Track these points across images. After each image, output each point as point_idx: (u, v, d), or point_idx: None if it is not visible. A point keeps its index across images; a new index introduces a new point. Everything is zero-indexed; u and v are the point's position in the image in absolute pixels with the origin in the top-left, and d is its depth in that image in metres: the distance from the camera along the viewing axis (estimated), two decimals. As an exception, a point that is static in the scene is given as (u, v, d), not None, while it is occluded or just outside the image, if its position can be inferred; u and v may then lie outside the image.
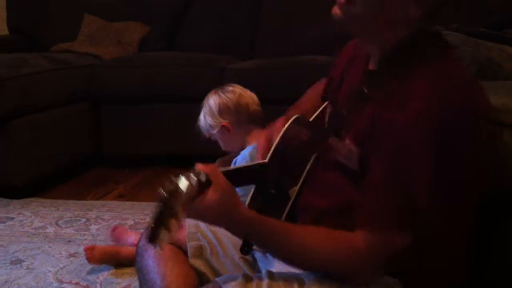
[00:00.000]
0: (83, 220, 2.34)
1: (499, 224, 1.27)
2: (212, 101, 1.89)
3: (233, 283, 1.11)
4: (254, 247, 1.38)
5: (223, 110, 1.86)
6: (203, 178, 1.00)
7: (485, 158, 1.10)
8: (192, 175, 0.98)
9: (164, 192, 0.96)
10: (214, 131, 1.90)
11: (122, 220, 2.33)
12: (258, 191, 1.29)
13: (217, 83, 2.83)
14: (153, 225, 0.95)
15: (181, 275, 1.43)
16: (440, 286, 1.16)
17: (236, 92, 1.87)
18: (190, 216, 1.04)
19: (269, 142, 1.38)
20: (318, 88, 1.55)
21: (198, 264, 1.45)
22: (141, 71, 3.08)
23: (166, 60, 3.15)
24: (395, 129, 1.02)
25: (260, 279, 1.14)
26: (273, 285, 1.12)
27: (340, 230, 1.08)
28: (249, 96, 1.89)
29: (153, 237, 0.96)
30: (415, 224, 1.02)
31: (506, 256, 1.27)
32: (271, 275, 1.16)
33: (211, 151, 2.86)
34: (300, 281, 1.13)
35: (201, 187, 1.01)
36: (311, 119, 1.42)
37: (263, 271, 1.20)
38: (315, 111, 1.45)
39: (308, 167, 1.26)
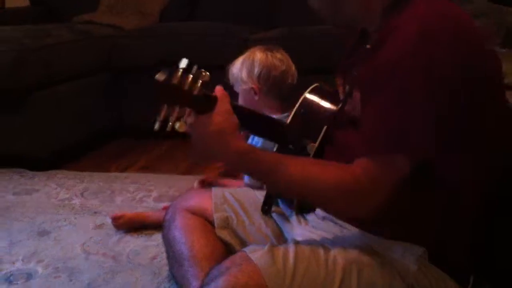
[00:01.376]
0: (108, 192, 2.35)
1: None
2: (258, 59, 1.81)
3: (260, 252, 1.11)
4: (275, 208, 1.40)
5: (263, 75, 1.79)
6: (207, 78, 1.06)
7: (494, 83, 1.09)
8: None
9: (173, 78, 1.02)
10: (241, 86, 1.83)
11: (147, 192, 2.33)
12: (278, 151, 1.31)
13: (240, 54, 2.84)
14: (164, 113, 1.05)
15: (208, 245, 1.44)
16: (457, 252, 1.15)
17: (284, 63, 1.80)
18: (190, 130, 1.10)
19: None
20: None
21: (225, 234, 1.46)
22: (163, 42, 3.06)
23: (188, 30, 3.12)
24: (387, 64, 1.02)
25: (286, 246, 1.14)
26: (299, 251, 1.12)
27: (340, 163, 1.08)
28: (292, 74, 1.83)
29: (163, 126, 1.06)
30: (412, 149, 1.01)
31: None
32: (297, 243, 1.16)
33: None
34: (326, 248, 1.14)
35: (207, 98, 1.07)
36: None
37: (289, 240, 1.20)
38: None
39: (325, 126, 1.26)
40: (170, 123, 1.06)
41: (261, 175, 1.14)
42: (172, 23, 3.31)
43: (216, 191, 1.55)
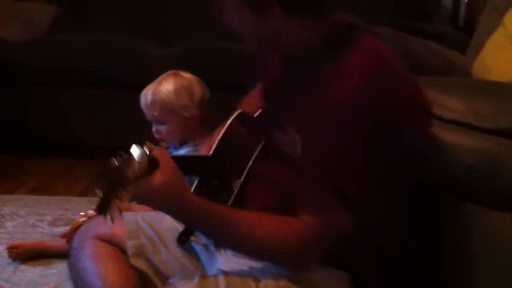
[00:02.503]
0: (-3, 216, 2.18)
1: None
2: (196, 84, 1.75)
3: (190, 284, 1.08)
4: (192, 238, 1.36)
5: (202, 102, 1.75)
6: (154, 153, 0.99)
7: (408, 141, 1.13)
8: (144, 147, 0.98)
9: (116, 161, 0.94)
10: (174, 114, 1.73)
11: (39, 216, 2.19)
12: (201, 183, 1.28)
13: (138, 69, 2.77)
14: (103, 195, 0.93)
15: (122, 275, 1.37)
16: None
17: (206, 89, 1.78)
18: (136, 197, 1.01)
19: None
20: (254, 92, 1.53)
21: (139, 263, 1.39)
22: (53, 54, 2.91)
23: (80, 42, 2.99)
24: (329, 112, 1.04)
25: (216, 277, 1.12)
26: (230, 283, 1.11)
27: (286, 217, 1.09)
28: None
29: (103, 207, 0.93)
30: (348, 207, 1.04)
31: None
32: (226, 274, 1.14)
33: (124, 142, 2.79)
34: (256, 279, 1.13)
35: (151, 164, 1.00)
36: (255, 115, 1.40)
37: (216, 269, 1.17)
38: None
39: (252, 159, 1.25)
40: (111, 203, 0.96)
41: (210, 232, 1.13)
42: (63, 35, 3.16)
43: (128, 216, 1.48)
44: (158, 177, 1.02)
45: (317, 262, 1.11)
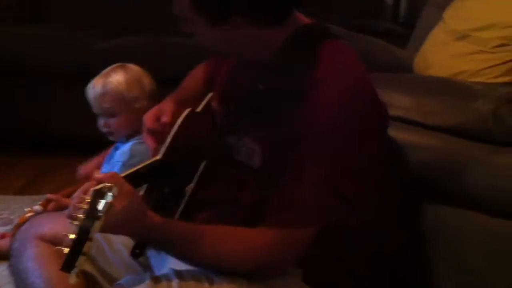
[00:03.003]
0: None
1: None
2: (146, 77, 1.73)
3: (141, 286, 1.05)
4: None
5: (151, 94, 1.72)
6: (115, 192, 0.94)
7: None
8: (106, 192, 0.92)
9: (83, 218, 0.90)
10: (125, 106, 1.71)
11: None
12: (149, 191, 1.23)
13: (85, 63, 2.69)
14: (69, 254, 0.91)
15: (67, 277, 1.33)
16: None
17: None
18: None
19: (158, 133, 1.32)
20: (199, 73, 1.50)
21: (85, 265, 1.35)
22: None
23: (31, 35, 2.91)
24: (304, 128, 1.03)
25: (169, 279, 1.10)
26: (183, 285, 1.08)
27: (250, 228, 1.08)
28: None
29: (69, 266, 0.91)
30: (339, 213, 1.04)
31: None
32: (179, 274, 1.12)
33: (64, 133, 2.72)
34: (210, 280, 1.10)
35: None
36: (199, 109, 1.38)
37: (170, 270, 1.15)
38: (201, 99, 1.40)
39: (203, 164, 1.23)
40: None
41: (171, 250, 1.10)
42: (10, 27, 3.02)
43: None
44: (116, 206, 0.97)
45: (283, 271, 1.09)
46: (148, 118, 1.35)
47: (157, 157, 1.24)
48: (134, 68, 1.76)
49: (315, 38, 1.13)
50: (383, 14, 3.39)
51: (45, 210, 1.76)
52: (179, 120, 1.27)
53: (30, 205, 1.91)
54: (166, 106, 1.37)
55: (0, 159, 2.75)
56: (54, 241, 1.36)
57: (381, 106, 1.15)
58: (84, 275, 1.34)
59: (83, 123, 2.71)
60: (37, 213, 1.71)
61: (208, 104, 1.37)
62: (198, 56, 2.33)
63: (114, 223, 0.99)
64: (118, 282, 1.12)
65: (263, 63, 1.16)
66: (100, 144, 2.60)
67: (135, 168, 1.21)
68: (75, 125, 2.77)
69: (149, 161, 1.26)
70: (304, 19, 1.16)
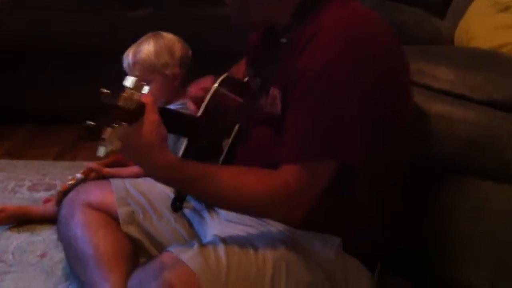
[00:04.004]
0: (-27, 180, 2.13)
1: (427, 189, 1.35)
2: (176, 43, 1.74)
3: (190, 253, 1.08)
4: (185, 204, 1.36)
5: (184, 60, 1.73)
6: (145, 91, 1.00)
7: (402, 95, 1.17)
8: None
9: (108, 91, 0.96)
10: (156, 73, 1.73)
11: (18, 181, 2.15)
12: (190, 144, 1.27)
13: (113, 33, 2.70)
14: (96, 122, 0.94)
15: (115, 243, 1.37)
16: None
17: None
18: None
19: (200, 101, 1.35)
20: (240, 66, 1.52)
21: (132, 230, 1.40)
22: (18, 19, 2.77)
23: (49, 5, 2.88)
24: (312, 68, 1.05)
25: (215, 244, 1.13)
26: (229, 251, 1.11)
27: (269, 169, 1.09)
28: None
29: (94, 132, 0.95)
30: (341, 153, 1.06)
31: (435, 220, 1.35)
32: (224, 240, 1.15)
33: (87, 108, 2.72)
34: (254, 246, 1.13)
35: (137, 107, 0.99)
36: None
37: (214, 237, 1.18)
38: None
39: (239, 120, 1.26)
40: (108, 146, 0.97)
41: (190, 187, 1.12)
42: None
43: (117, 183, 1.47)
44: (139, 127, 1.01)
45: (304, 215, 1.09)
46: (193, 87, 1.39)
47: (196, 115, 1.30)
48: (166, 35, 1.78)
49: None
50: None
51: (86, 178, 1.78)
52: (217, 82, 1.31)
53: (71, 172, 1.97)
54: (209, 78, 1.39)
55: (37, 127, 2.80)
56: (101, 208, 1.42)
57: (400, 66, 1.15)
58: (132, 241, 1.39)
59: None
60: (79, 182, 1.73)
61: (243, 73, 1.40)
62: (223, 28, 2.35)
63: (136, 148, 1.02)
64: (167, 249, 1.14)
65: (281, 24, 1.18)
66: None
67: (175, 109, 1.25)
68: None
69: (187, 113, 1.31)
70: None
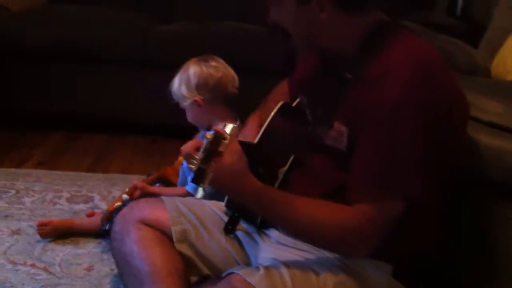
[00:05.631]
0: (12, 191, 2.17)
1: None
2: (192, 71, 1.80)
3: (257, 275, 1.12)
4: (238, 226, 1.40)
5: (201, 85, 1.79)
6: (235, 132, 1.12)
7: (459, 136, 1.21)
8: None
9: (213, 134, 1.06)
10: (185, 102, 1.82)
11: (56, 192, 2.19)
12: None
13: (141, 46, 2.76)
14: (201, 166, 1.04)
15: (170, 260, 1.40)
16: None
17: (220, 70, 1.80)
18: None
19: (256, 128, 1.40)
20: (282, 89, 1.57)
21: (184, 248, 1.43)
22: (54, 27, 2.87)
23: (80, 16, 2.95)
24: (384, 107, 1.08)
25: (278, 268, 1.17)
26: (293, 275, 1.15)
27: (342, 205, 1.14)
28: (231, 77, 1.82)
29: (200, 178, 1.05)
30: (406, 194, 1.10)
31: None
32: (286, 264, 1.18)
33: (121, 114, 2.81)
34: (315, 272, 1.17)
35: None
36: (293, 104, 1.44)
37: (274, 261, 1.22)
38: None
39: (296, 149, 1.31)
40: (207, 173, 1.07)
41: (270, 212, 1.17)
42: (64, 6, 3.10)
43: (169, 201, 1.50)
44: (226, 158, 1.08)
45: (371, 252, 1.14)
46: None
47: (252, 142, 1.35)
48: (191, 66, 1.83)
49: (394, 33, 1.18)
50: (440, 7, 3.38)
51: (132, 197, 1.82)
52: (274, 111, 1.35)
53: (106, 184, 1.99)
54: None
55: (64, 136, 2.87)
56: (155, 225, 1.45)
57: (456, 103, 1.18)
58: (184, 258, 1.42)
59: (146, 106, 2.85)
60: (126, 203, 1.75)
61: (299, 101, 1.43)
62: (254, 41, 2.37)
63: (224, 175, 1.09)
64: (231, 271, 1.18)
65: (345, 55, 1.21)
66: (163, 126, 2.72)
67: (244, 141, 1.31)
68: (137, 108, 2.86)
69: (245, 141, 1.36)
70: (381, 15, 1.22)
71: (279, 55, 2.35)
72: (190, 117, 1.85)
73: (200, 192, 1.07)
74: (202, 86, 1.79)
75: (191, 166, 1.07)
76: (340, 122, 1.19)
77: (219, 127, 1.13)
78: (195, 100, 1.79)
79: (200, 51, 1.87)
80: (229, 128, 1.10)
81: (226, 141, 1.07)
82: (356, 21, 1.19)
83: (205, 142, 1.07)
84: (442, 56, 1.18)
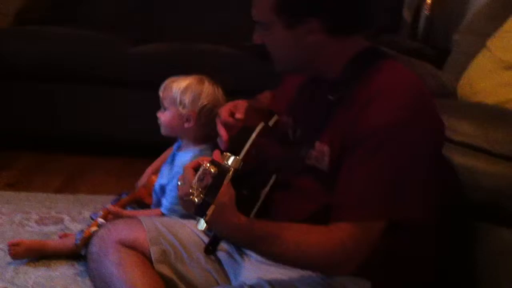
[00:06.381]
0: (-21, 213, 2.12)
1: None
2: (206, 92, 1.77)
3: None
4: (218, 247, 1.41)
5: (206, 109, 1.77)
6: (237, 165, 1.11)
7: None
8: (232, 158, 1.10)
9: (217, 166, 1.07)
10: (176, 108, 1.78)
11: (25, 213, 2.15)
12: None
13: (120, 66, 2.74)
14: (206, 199, 1.05)
15: (151, 283, 1.39)
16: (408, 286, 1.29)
17: (224, 100, 1.78)
18: None
19: (230, 127, 1.40)
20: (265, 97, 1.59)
21: (164, 269, 1.42)
22: (29, 45, 2.83)
23: (61, 35, 2.92)
24: (375, 129, 1.11)
25: (262, 287, 1.18)
26: None
27: (324, 226, 1.15)
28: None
29: (204, 210, 1.05)
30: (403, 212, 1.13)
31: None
32: (270, 284, 1.20)
33: (98, 134, 2.79)
34: (297, 290, 1.19)
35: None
36: (271, 124, 1.45)
37: (258, 280, 1.23)
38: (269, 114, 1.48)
39: (277, 171, 1.31)
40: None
41: (257, 246, 1.17)
42: (36, 27, 3.04)
43: (148, 222, 1.49)
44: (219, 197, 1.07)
45: (354, 269, 1.16)
46: (223, 111, 1.42)
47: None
48: (205, 83, 1.81)
49: (379, 58, 1.22)
50: (402, 31, 3.47)
51: (106, 221, 1.78)
52: (255, 132, 1.34)
53: (75, 206, 1.96)
54: (241, 103, 1.44)
55: (35, 158, 2.81)
56: (134, 246, 1.44)
57: (440, 126, 1.24)
58: (165, 280, 1.41)
59: (119, 125, 2.82)
60: (100, 227, 1.70)
61: (278, 120, 1.45)
62: (229, 62, 2.36)
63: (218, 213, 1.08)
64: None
65: (330, 78, 1.24)
66: (137, 147, 2.70)
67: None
68: (111, 127, 2.84)
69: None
70: (363, 41, 1.26)
71: (252, 77, 2.38)
72: (166, 121, 1.80)
73: (202, 224, 1.06)
74: (206, 110, 1.78)
75: (194, 198, 1.05)
76: (323, 142, 1.21)
77: (218, 155, 1.13)
78: (190, 115, 1.76)
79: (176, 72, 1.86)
80: (231, 160, 1.08)
81: (230, 174, 1.06)
82: (344, 46, 1.22)
83: (202, 169, 1.07)
84: (421, 81, 1.22)
